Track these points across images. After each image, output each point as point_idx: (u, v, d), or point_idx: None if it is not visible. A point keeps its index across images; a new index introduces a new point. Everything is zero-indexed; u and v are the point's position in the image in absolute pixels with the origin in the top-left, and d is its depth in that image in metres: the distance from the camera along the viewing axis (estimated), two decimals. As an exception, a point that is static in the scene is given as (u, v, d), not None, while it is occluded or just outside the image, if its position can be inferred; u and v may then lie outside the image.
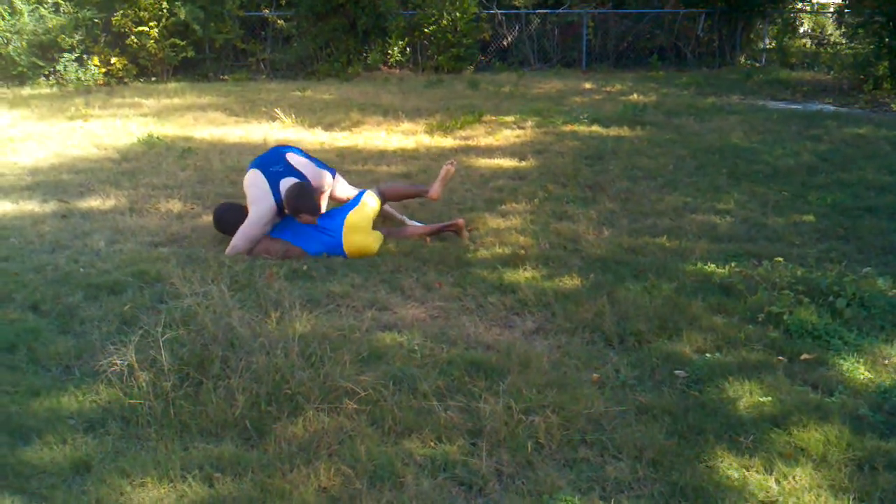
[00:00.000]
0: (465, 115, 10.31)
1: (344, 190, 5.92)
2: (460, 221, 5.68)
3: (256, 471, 2.87)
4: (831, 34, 20.21)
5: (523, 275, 4.89)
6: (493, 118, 10.62)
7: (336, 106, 12.01)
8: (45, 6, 15.98)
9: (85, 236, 5.73)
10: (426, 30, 17.93)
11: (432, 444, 3.07)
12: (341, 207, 5.51)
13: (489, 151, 8.57)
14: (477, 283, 4.78)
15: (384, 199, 5.65)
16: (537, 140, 9.24)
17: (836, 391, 3.47)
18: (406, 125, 10.20)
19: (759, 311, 4.24)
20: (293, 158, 5.60)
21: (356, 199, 5.51)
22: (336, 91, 14.14)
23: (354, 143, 9.14)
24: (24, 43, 15.72)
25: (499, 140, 9.25)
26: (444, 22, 17.68)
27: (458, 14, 17.69)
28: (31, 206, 6.52)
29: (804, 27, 21.42)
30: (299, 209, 5.30)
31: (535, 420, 3.16)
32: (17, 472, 2.88)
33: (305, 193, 5.34)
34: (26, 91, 14.78)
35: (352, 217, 5.32)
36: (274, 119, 10.63)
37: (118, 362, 3.47)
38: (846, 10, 16.66)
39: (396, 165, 7.92)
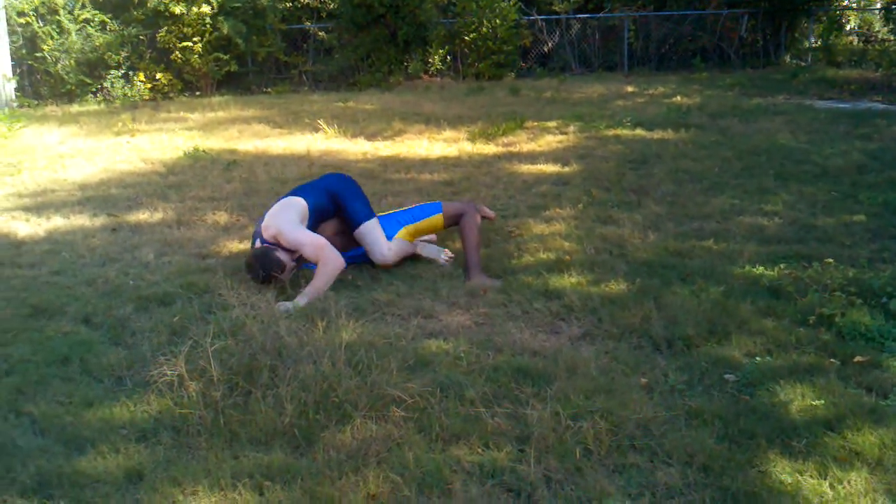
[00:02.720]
0: (506, 122, 10.31)
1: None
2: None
3: (305, 478, 2.88)
4: (878, 31, 19.88)
5: (569, 280, 4.85)
6: (535, 124, 10.61)
7: (378, 115, 12.08)
8: (93, 25, 16.35)
9: (134, 249, 5.82)
10: (466, 37, 17.98)
11: (480, 450, 3.06)
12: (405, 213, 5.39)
13: (532, 157, 8.56)
14: (522, 289, 4.76)
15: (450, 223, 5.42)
16: (580, 145, 9.20)
17: (890, 394, 3.39)
18: (448, 133, 10.22)
19: (809, 313, 4.15)
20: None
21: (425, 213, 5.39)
22: (378, 101, 14.23)
23: (397, 151, 9.18)
24: (72, 61, 16.13)
25: (541, 146, 9.23)
26: (485, 29, 17.72)
27: (498, 21, 17.71)
28: (81, 220, 6.65)
29: (850, 24, 21.09)
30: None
31: (583, 426, 3.13)
32: (72, 481, 2.93)
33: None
34: (75, 108, 15.10)
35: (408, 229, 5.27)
36: (317, 130, 10.72)
37: (168, 372, 3.51)
38: (893, 6, 16.37)
39: (439, 173, 7.93)
